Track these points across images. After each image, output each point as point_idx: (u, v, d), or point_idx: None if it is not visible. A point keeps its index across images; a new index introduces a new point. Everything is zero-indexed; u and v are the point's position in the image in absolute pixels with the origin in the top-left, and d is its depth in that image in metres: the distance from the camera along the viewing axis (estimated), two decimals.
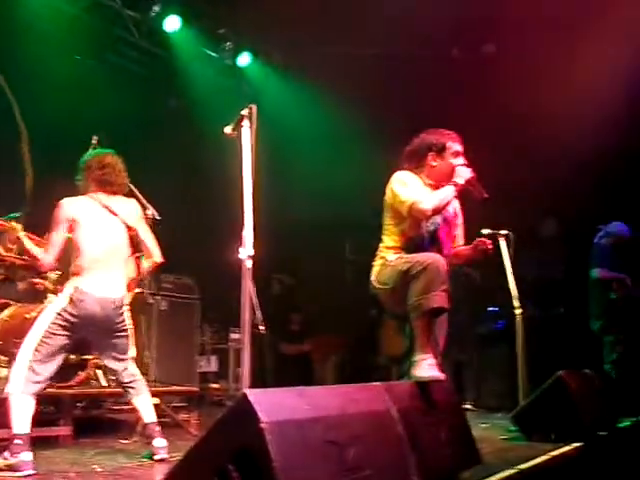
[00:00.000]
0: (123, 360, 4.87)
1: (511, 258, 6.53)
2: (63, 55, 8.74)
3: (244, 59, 10.22)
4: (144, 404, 4.89)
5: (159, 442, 4.74)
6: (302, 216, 9.99)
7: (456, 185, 4.50)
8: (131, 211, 5.00)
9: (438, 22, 8.12)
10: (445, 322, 4.66)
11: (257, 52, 10.27)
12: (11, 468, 4.19)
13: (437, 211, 4.48)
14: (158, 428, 4.81)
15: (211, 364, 9.22)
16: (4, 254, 6.55)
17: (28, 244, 4.88)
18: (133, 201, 5.12)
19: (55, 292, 6.35)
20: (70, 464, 4.65)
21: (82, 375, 6.14)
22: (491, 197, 4.56)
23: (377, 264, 4.70)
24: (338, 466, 2.65)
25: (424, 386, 3.74)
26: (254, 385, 3.23)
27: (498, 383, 8.49)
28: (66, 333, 4.60)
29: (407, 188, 4.55)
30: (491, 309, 9.19)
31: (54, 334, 4.57)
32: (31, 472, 4.18)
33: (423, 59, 8.53)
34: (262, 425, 2.37)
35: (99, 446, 5.36)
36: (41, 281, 6.58)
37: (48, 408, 6.06)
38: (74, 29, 8.70)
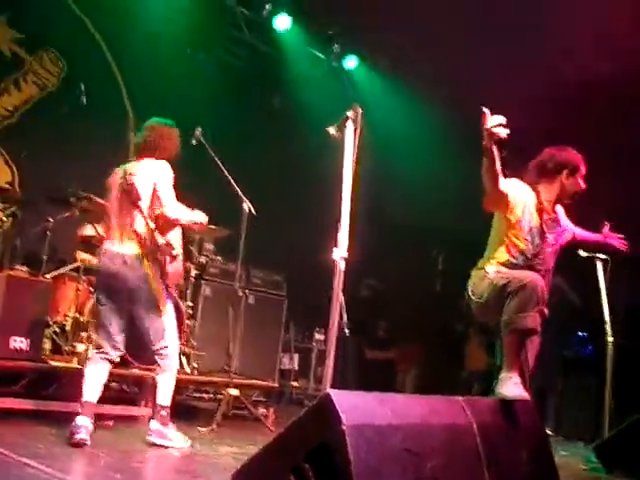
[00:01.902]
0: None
1: (607, 284, 6.35)
2: (175, 47, 8.97)
3: (351, 62, 10.24)
4: (162, 383, 4.89)
5: (153, 424, 4.79)
6: (397, 222, 9.95)
7: None
8: (148, 170, 4.93)
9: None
10: (537, 342, 4.54)
11: (364, 56, 10.27)
12: None
13: None
14: (164, 412, 4.80)
15: (293, 362, 9.27)
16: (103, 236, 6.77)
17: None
18: (155, 162, 4.99)
19: None
20: (148, 444, 4.75)
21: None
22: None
23: (475, 275, 4.62)
24: (414, 475, 2.62)
25: (508, 404, 3.66)
26: (334, 387, 3.22)
27: (581, 412, 8.26)
28: (103, 295, 4.86)
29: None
30: (580, 334, 8.94)
31: (97, 298, 4.95)
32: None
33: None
34: (343, 427, 2.37)
35: (177, 430, 5.45)
36: None
37: (132, 388, 6.23)
38: (187, 22, 8.92)
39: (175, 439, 4.79)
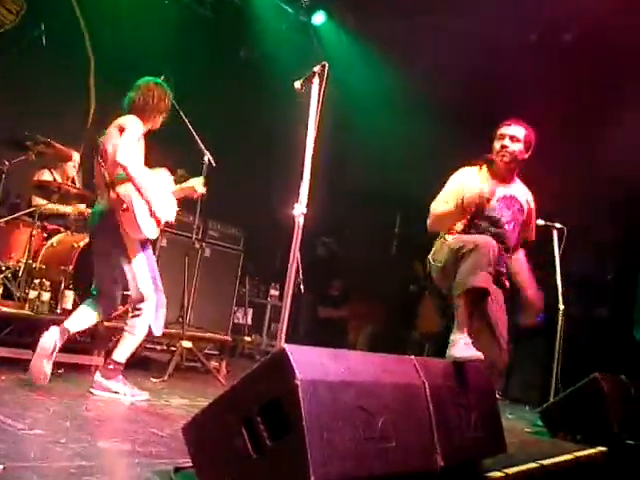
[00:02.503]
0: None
1: (560, 253, 6.43)
2: None
3: (319, 17, 10.14)
4: (125, 340, 4.89)
5: (97, 375, 4.81)
6: (356, 182, 9.94)
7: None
8: (117, 124, 4.90)
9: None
10: (503, 312, 4.79)
11: (332, 12, 10.16)
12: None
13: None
14: (112, 367, 4.79)
15: (247, 317, 9.29)
16: (60, 182, 6.66)
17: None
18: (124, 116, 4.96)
19: None
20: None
21: (121, 309, 6.22)
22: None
23: (437, 242, 4.73)
24: (365, 433, 2.64)
25: (460, 366, 3.70)
26: (287, 342, 3.23)
27: (528, 376, 8.42)
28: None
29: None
30: None
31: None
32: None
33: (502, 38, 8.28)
34: (297, 382, 2.37)
35: (129, 381, 5.41)
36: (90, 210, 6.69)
37: (85, 337, 6.18)
38: None
39: (122, 391, 4.75)
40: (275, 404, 2.46)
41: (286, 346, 2.47)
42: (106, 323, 5.79)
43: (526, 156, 4.82)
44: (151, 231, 4.83)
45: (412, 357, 3.30)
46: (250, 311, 9.39)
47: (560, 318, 6.40)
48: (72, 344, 5.91)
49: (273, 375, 2.49)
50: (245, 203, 9.21)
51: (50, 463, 2.87)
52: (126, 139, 4.67)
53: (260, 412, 2.50)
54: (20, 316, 5.50)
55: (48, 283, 5.80)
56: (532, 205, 5.02)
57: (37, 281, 5.84)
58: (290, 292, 3.67)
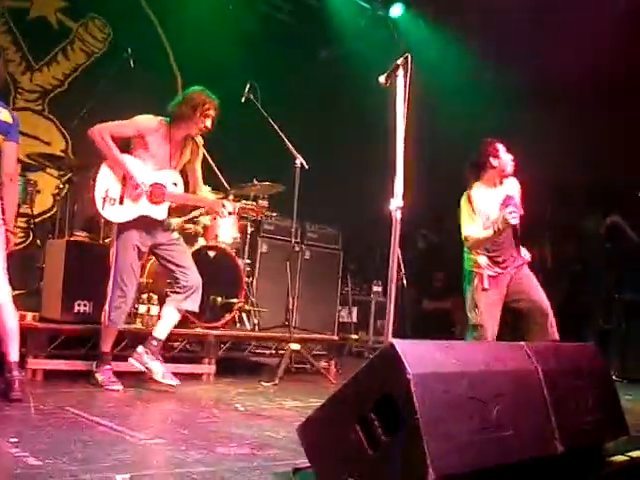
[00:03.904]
0: None
1: None
2: (216, 5, 8.92)
3: (396, 10, 10.07)
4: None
5: (139, 347, 5.08)
6: (450, 172, 9.81)
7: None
8: None
9: None
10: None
11: (409, 3, 10.08)
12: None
13: None
14: (155, 343, 5.07)
15: (352, 315, 9.31)
16: None
17: None
18: None
19: (205, 236, 6.59)
20: (213, 401, 4.86)
21: (228, 317, 6.35)
22: None
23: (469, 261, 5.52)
24: (480, 423, 2.61)
25: (572, 349, 3.62)
26: (394, 338, 3.22)
27: None
28: None
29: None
30: None
31: None
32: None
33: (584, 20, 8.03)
34: (408, 376, 2.36)
35: (240, 386, 5.53)
36: (192, 226, 6.85)
37: (194, 347, 6.33)
38: None
39: (156, 371, 4.98)
40: (388, 399, 2.46)
41: (394, 341, 2.47)
42: (214, 332, 5.93)
43: None
44: (109, 214, 4.99)
45: (523, 343, 3.25)
46: (355, 309, 9.42)
47: None
48: (184, 353, 6.09)
49: (384, 371, 2.49)
50: (341, 202, 9.24)
51: (173, 470, 2.95)
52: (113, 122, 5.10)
53: (373, 408, 2.50)
54: (132, 331, 5.68)
55: (156, 297, 5.97)
56: (519, 190, 5.53)
57: (145, 296, 6.01)
58: (393, 287, 3.65)
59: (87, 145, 7.57)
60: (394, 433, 2.43)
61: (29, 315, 5.36)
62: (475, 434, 2.57)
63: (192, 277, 5.12)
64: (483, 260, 5.31)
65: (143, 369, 5.00)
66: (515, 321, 5.51)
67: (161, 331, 5.09)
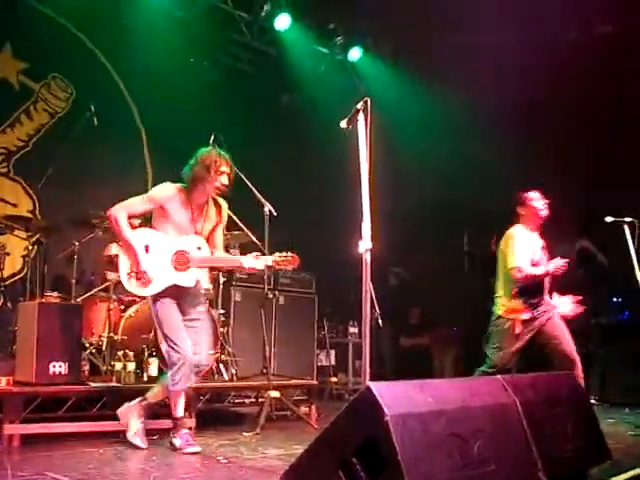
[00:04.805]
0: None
1: (636, 246, 6.28)
2: (178, 58, 9.01)
3: (355, 53, 10.21)
4: None
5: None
6: (417, 209, 9.90)
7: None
8: None
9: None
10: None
11: (367, 46, 10.24)
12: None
13: None
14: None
15: (329, 358, 9.29)
16: None
17: None
18: None
19: None
20: (195, 455, 4.79)
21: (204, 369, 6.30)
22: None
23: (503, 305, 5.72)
24: (462, 459, 2.62)
25: (548, 379, 3.65)
26: (373, 378, 3.22)
27: (624, 377, 8.19)
28: None
29: None
30: (615, 300, 8.87)
31: None
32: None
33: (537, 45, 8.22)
34: (386, 418, 2.37)
35: (222, 438, 5.47)
36: None
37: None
38: (188, 33, 8.96)
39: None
40: (369, 442, 2.46)
41: (371, 384, 2.48)
42: (192, 385, 5.88)
43: None
44: (131, 287, 4.93)
45: (499, 376, 3.27)
46: (332, 352, 9.39)
47: None
48: (162, 408, 6.03)
49: (362, 414, 2.50)
50: (311, 247, 9.19)
51: None
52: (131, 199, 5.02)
53: (355, 452, 2.50)
54: (110, 389, 5.62)
55: (132, 353, 5.92)
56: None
57: (120, 353, 5.97)
58: (368, 328, 3.66)
59: (55, 204, 7.61)
60: (377, 476, 2.43)
61: (3, 380, 5.29)
62: (457, 471, 2.58)
63: (202, 357, 5.03)
64: (518, 304, 5.49)
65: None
66: (541, 365, 5.50)
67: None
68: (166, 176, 8.68)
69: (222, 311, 7.06)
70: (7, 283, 7.40)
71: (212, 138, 6.50)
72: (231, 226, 6.68)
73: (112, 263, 6.78)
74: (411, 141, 9.38)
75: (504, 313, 5.52)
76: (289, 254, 5.10)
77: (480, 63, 8.37)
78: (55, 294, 6.30)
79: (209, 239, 5.16)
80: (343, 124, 4.00)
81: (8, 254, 7.25)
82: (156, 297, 4.93)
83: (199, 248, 5.02)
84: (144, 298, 6.75)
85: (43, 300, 5.85)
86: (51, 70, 8.56)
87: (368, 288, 3.68)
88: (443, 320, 10.04)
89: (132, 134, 9.15)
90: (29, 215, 7.89)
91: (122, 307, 6.64)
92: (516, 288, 5.50)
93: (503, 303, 5.55)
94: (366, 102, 3.94)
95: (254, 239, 6.32)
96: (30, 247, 7.06)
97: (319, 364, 8.81)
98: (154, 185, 8.96)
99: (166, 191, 5.05)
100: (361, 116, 3.91)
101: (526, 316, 5.40)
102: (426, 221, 10.01)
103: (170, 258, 4.93)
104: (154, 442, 5.16)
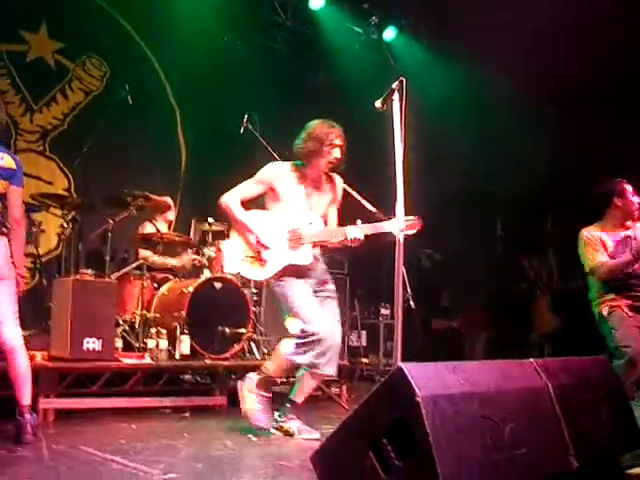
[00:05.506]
0: None
1: None
2: (212, 38, 8.98)
3: (389, 33, 10.14)
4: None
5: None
6: (451, 190, 9.82)
7: None
8: None
9: None
10: None
11: (402, 25, 10.15)
12: None
13: None
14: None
15: (361, 339, 9.30)
16: (163, 232, 6.87)
17: None
18: None
19: (211, 268, 6.62)
20: (226, 432, 4.83)
21: (237, 348, 6.35)
22: None
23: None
24: (493, 442, 2.60)
25: (581, 363, 3.61)
26: (404, 360, 3.22)
27: None
28: None
29: None
30: None
31: None
32: None
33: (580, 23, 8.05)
34: (417, 399, 2.36)
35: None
36: (198, 257, 6.89)
37: (205, 378, 6.32)
38: (222, 12, 8.92)
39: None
40: (399, 423, 2.46)
41: (402, 365, 2.47)
42: (224, 363, 5.93)
43: None
44: (252, 273, 4.84)
45: (532, 360, 3.24)
46: (363, 333, 9.40)
47: None
48: (195, 386, 6.08)
49: (393, 395, 2.49)
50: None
51: None
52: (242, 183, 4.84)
53: (385, 433, 2.50)
54: (142, 366, 5.68)
55: (164, 331, 5.98)
56: None
57: (154, 330, 6.03)
58: (400, 310, 3.66)
59: (90, 182, 7.67)
60: (408, 457, 2.43)
61: (38, 355, 5.37)
62: (488, 454, 2.56)
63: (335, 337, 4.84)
64: (613, 296, 5.11)
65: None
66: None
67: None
68: (200, 155, 8.75)
69: (255, 290, 7.08)
70: (43, 260, 7.50)
71: (246, 117, 6.52)
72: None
73: (145, 240, 6.86)
74: (445, 121, 9.30)
75: (604, 309, 5.18)
76: (413, 217, 4.63)
77: (517, 42, 8.21)
78: (90, 271, 6.37)
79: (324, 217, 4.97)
80: (378, 104, 3.98)
81: (44, 231, 7.35)
82: (277, 278, 4.76)
83: (311, 223, 4.84)
84: (176, 276, 6.85)
85: (78, 277, 5.91)
86: (86, 49, 8.60)
87: (400, 269, 3.67)
88: (475, 303, 9.99)
89: (166, 113, 9.17)
90: (64, 193, 7.96)
91: (155, 285, 6.69)
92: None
93: (598, 302, 5.26)
94: (401, 82, 3.91)
95: (373, 209, 6.01)
96: (65, 225, 7.13)
97: (350, 344, 8.82)
98: (187, 164, 9.09)
99: (275, 169, 4.89)
100: (396, 96, 3.88)
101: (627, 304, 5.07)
102: (459, 203, 9.92)
103: (284, 237, 4.78)
104: (185, 419, 5.21)
